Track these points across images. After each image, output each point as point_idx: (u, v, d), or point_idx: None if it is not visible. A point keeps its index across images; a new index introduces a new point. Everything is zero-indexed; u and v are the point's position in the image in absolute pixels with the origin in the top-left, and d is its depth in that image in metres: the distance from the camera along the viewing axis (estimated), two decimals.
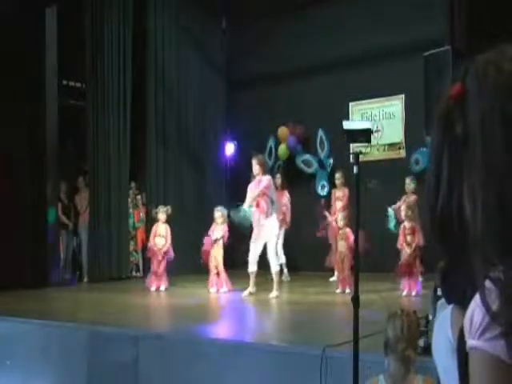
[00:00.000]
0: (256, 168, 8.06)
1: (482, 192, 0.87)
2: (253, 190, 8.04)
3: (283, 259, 10.08)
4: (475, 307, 0.86)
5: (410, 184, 8.66)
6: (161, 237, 9.11)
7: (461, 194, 0.92)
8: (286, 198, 10.15)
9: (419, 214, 7.75)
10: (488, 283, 0.85)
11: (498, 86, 0.89)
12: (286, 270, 10.13)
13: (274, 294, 7.84)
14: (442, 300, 1.05)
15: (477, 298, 0.87)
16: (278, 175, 10.40)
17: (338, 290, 8.05)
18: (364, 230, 6.43)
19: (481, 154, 0.88)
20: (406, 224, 7.72)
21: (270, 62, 11.66)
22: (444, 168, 0.95)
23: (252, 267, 8.05)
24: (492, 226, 0.86)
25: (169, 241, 9.10)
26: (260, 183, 8.03)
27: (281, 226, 10.02)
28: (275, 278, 7.94)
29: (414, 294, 7.49)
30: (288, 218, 10.05)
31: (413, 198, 8.43)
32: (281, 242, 10.14)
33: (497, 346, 0.83)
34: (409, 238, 7.67)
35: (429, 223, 0.98)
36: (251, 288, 8.08)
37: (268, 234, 8.00)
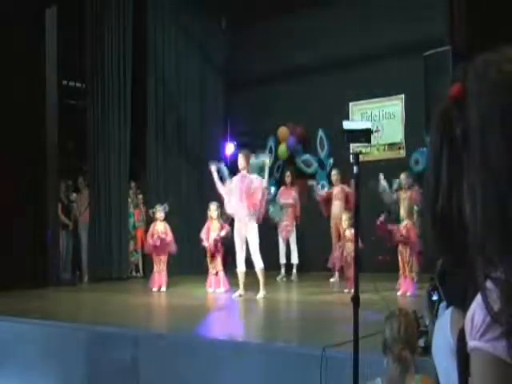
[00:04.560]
0: (241, 162, 8.05)
1: (482, 192, 0.87)
2: (239, 188, 7.98)
3: (296, 259, 10.21)
4: (476, 308, 0.86)
5: (404, 179, 8.63)
6: (161, 234, 9.11)
7: (460, 193, 0.92)
8: (294, 193, 10.40)
9: (419, 216, 7.76)
10: (489, 283, 0.85)
11: (497, 87, 0.89)
12: (295, 271, 10.23)
13: (260, 294, 7.79)
14: (444, 303, 1.05)
15: (478, 298, 0.86)
16: (288, 173, 10.69)
17: (346, 290, 7.81)
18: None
19: (480, 153, 0.88)
20: (407, 223, 7.72)
21: (269, 62, 11.66)
22: (443, 168, 0.95)
23: (240, 267, 8.04)
24: (492, 226, 0.86)
25: (170, 235, 9.08)
26: (243, 179, 7.99)
27: (290, 223, 10.22)
28: (260, 277, 7.87)
29: (408, 294, 7.49)
30: (297, 209, 10.34)
31: (407, 194, 8.39)
32: (294, 240, 10.25)
33: (498, 347, 0.83)
34: (404, 236, 7.68)
35: (429, 223, 0.98)
36: (240, 290, 8.05)
37: (250, 233, 7.97)
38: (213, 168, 8.25)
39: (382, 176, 8.32)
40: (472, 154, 0.89)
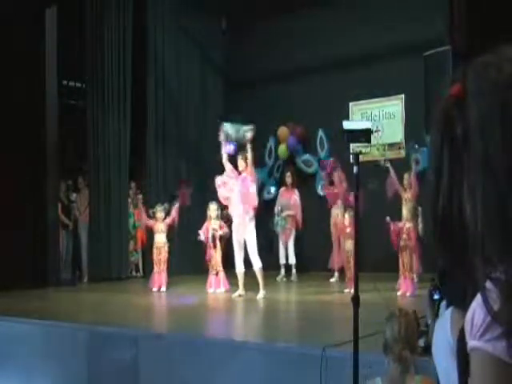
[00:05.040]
0: (242, 164, 8.06)
1: (482, 192, 0.87)
2: (239, 190, 7.98)
3: (293, 260, 10.18)
4: (476, 307, 0.86)
5: (406, 179, 8.63)
6: (161, 233, 9.13)
7: (461, 193, 0.92)
8: (295, 196, 10.30)
9: (421, 215, 7.75)
10: (489, 283, 0.85)
11: (497, 86, 0.89)
12: (294, 271, 10.22)
13: (260, 294, 7.80)
14: (445, 302, 1.05)
15: (478, 298, 0.86)
16: (289, 173, 10.61)
17: (347, 290, 7.78)
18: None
19: (480, 153, 0.88)
20: (406, 224, 7.73)
21: (269, 62, 11.66)
22: (444, 168, 0.95)
23: (239, 268, 8.05)
24: (492, 226, 0.86)
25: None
26: (244, 181, 8.00)
27: (291, 227, 10.19)
28: (259, 276, 7.88)
29: (408, 294, 7.49)
30: (299, 217, 10.24)
31: (410, 194, 8.40)
32: (292, 242, 10.22)
33: (498, 347, 0.83)
34: (404, 237, 7.68)
35: (430, 223, 0.98)
36: (240, 290, 8.06)
37: (249, 235, 7.97)
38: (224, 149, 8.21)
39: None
40: (472, 154, 0.89)
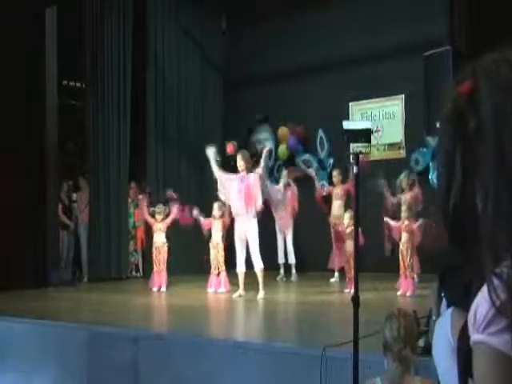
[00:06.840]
0: (241, 163, 8.05)
1: (494, 188, 0.87)
2: (239, 189, 8.00)
3: (293, 260, 10.16)
4: (481, 301, 0.86)
5: (403, 179, 8.63)
6: (160, 233, 9.12)
7: (474, 192, 0.91)
8: (292, 192, 10.26)
9: (425, 214, 7.77)
10: (494, 278, 0.85)
11: (509, 83, 0.89)
12: (294, 271, 10.19)
13: (260, 294, 7.82)
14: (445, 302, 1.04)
15: (483, 291, 0.86)
16: (285, 172, 10.55)
17: (347, 290, 7.78)
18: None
19: (493, 149, 0.87)
20: (406, 222, 7.73)
21: (269, 61, 11.66)
22: (456, 166, 0.93)
23: (240, 268, 8.07)
24: (502, 222, 0.85)
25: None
26: (243, 180, 8.00)
27: (288, 225, 10.16)
28: (260, 277, 7.89)
29: (408, 294, 7.48)
30: (296, 206, 10.18)
31: (409, 195, 8.40)
32: (290, 239, 10.19)
33: (502, 341, 0.82)
34: (405, 236, 7.68)
35: (441, 223, 0.97)
36: (241, 290, 8.07)
37: (251, 234, 7.99)
38: (210, 153, 8.21)
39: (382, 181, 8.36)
40: (485, 150, 0.89)
